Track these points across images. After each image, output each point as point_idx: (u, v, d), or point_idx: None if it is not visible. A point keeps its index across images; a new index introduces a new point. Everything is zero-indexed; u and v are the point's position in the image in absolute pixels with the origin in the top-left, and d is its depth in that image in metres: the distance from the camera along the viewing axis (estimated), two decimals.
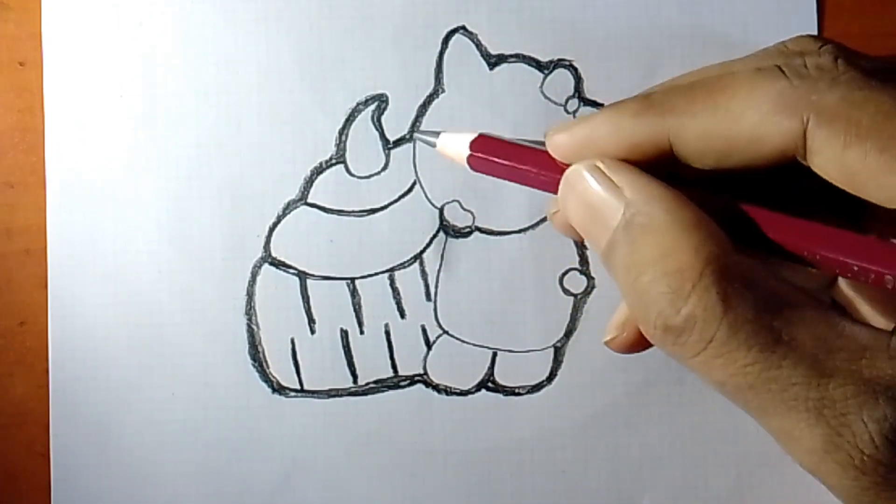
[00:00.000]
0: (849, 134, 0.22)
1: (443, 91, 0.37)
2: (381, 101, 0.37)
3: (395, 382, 0.37)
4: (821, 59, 0.24)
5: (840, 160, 0.23)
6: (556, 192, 0.26)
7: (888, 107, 0.22)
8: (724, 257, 0.22)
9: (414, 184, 0.37)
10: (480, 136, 0.28)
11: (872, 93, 0.23)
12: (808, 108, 0.23)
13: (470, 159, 0.28)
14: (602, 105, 0.36)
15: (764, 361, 0.21)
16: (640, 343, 0.27)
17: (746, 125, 0.24)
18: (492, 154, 0.27)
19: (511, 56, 0.37)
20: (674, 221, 0.23)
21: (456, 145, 0.28)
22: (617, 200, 0.24)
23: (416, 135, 0.31)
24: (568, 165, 0.26)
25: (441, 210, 0.36)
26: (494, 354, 0.37)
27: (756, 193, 0.25)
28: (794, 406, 0.21)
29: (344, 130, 0.37)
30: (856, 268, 0.23)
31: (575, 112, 0.37)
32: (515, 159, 0.27)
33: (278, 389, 0.36)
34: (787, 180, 0.25)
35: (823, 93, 0.23)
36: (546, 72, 0.37)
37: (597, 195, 0.24)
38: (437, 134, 0.29)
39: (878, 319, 0.28)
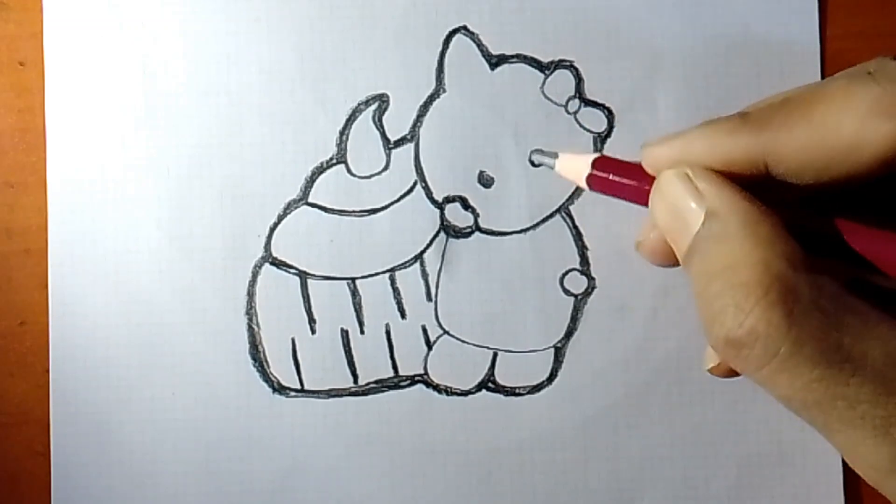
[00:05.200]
0: None
1: (444, 91, 0.37)
2: (382, 101, 0.37)
3: (396, 382, 0.37)
4: None
5: None
6: None
7: None
8: (794, 274, 0.22)
9: (415, 184, 0.37)
10: (601, 156, 0.28)
11: None
12: None
13: (590, 179, 0.28)
14: (604, 105, 0.37)
15: (831, 378, 0.21)
16: None
17: (845, 133, 0.23)
18: (612, 173, 0.28)
19: (512, 56, 0.37)
20: (748, 234, 0.23)
21: (576, 165, 0.29)
22: (700, 207, 0.24)
23: (533, 155, 0.31)
24: None
25: (442, 210, 0.36)
26: (495, 355, 0.37)
27: (849, 210, 0.25)
28: (861, 424, 0.21)
29: (345, 130, 0.37)
30: None
31: (576, 113, 0.37)
32: (636, 178, 0.27)
33: (279, 389, 0.36)
34: (880, 198, 0.25)
35: None
36: (547, 72, 0.37)
37: (682, 200, 0.25)
38: (555, 154, 0.29)
39: None
